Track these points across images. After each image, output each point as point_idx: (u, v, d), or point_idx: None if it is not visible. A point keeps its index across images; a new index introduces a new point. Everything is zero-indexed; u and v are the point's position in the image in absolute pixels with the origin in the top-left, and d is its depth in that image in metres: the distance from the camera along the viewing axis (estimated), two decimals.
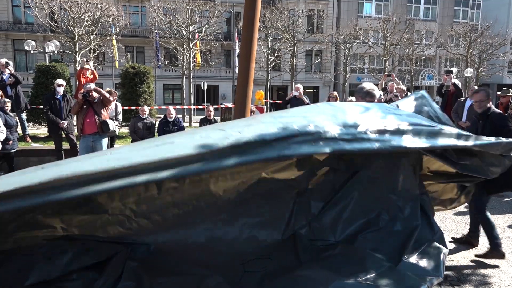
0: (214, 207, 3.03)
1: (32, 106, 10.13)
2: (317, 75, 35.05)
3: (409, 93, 8.72)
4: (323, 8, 37.81)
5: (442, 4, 42.86)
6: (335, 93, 9.88)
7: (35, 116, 10.63)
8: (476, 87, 8.71)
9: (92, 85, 6.29)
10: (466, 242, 4.43)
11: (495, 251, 3.96)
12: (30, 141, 9.13)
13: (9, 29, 32.65)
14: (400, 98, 8.09)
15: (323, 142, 2.54)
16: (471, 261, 4.03)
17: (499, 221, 5.13)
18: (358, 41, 28.22)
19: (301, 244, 3.07)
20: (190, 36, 18.83)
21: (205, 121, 9.10)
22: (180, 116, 15.27)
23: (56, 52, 17.10)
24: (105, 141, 6.47)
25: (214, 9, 21.29)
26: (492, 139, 3.26)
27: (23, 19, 33.27)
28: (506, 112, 7.59)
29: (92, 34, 17.55)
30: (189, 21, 18.71)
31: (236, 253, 2.98)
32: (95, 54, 19.39)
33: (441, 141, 2.94)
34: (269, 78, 24.09)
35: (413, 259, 2.91)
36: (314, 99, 35.62)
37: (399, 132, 2.81)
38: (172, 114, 8.77)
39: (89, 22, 16.93)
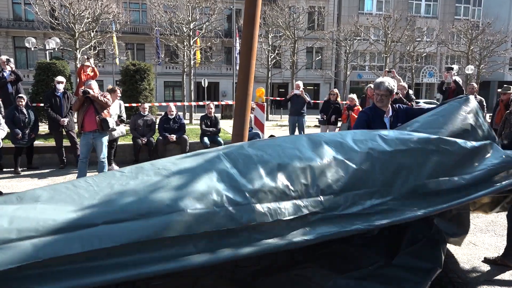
0: None
1: (33, 104, 10.12)
2: (317, 72, 35.03)
3: (410, 91, 8.69)
4: (323, 5, 37.70)
5: (443, 1, 42.72)
6: (336, 91, 9.88)
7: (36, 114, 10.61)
8: (475, 85, 8.69)
9: (94, 83, 6.27)
10: (501, 263, 3.77)
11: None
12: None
13: (10, 26, 32.61)
14: (400, 95, 8.08)
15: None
16: (472, 256, 4.03)
17: (499, 218, 5.14)
18: (359, 38, 28.17)
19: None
20: (191, 33, 18.79)
21: (206, 118, 9.11)
22: (180, 113, 15.27)
23: (56, 49, 17.07)
24: (105, 139, 6.47)
25: (215, 6, 21.23)
26: None
27: (23, 16, 33.20)
28: (507, 109, 7.58)
29: (93, 31, 17.52)
30: (190, 18, 18.67)
31: None
32: (96, 51, 19.35)
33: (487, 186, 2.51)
34: (269, 75, 24.07)
35: (410, 252, 2.83)
36: (315, 96, 35.59)
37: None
38: (172, 111, 8.79)
39: (89, 19, 16.90)
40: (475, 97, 8.41)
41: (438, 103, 10.19)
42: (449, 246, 3.87)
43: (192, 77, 19.77)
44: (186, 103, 17.93)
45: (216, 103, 12.60)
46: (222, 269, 2.82)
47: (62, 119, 7.75)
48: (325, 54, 37.12)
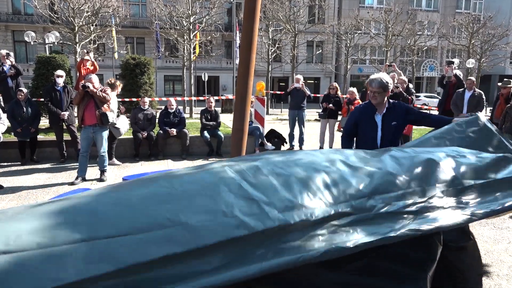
0: None
1: (33, 98, 10.12)
2: (318, 66, 34.93)
3: (410, 85, 8.68)
4: None
5: None
6: (335, 84, 9.87)
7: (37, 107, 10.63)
8: (474, 79, 8.67)
9: (94, 77, 6.27)
10: None
11: None
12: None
13: (9, 20, 32.51)
14: (401, 89, 8.08)
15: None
16: None
17: None
18: (359, 32, 28.07)
19: None
20: (191, 27, 18.73)
21: (206, 112, 9.11)
22: (180, 107, 15.25)
23: (56, 43, 17.03)
24: (105, 133, 6.48)
25: (215, 0, 21.14)
26: None
27: (22, 10, 33.09)
28: (508, 103, 7.58)
29: (92, 25, 17.47)
30: (190, 12, 18.59)
31: None
32: (95, 45, 19.30)
33: None
34: (270, 69, 24.01)
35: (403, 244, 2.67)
36: (315, 90, 35.53)
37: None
38: (173, 105, 8.79)
39: (89, 13, 16.84)
40: (474, 91, 8.40)
41: (439, 97, 10.11)
42: None
43: (192, 71, 19.73)
44: (186, 98, 17.91)
45: (216, 97, 12.59)
46: None
47: (62, 113, 7.75)
48: (326, 48, 36.99)
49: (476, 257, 2.92)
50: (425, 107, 23.38)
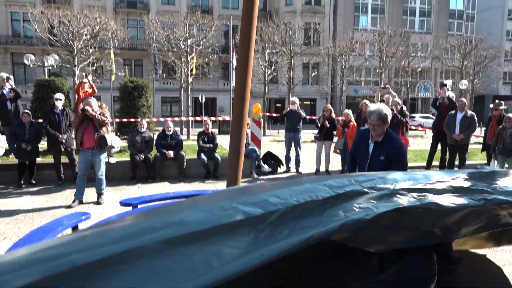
0: None
1: (31, 120, 10.19)
2: (314, 88, 35.33)
3: (404, 107, 8.82)
4: (319, 21, 38.26)
5: (436, 17, 43.48)
6: (329, 106, 10.00)
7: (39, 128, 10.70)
8: (465, 100, 8.83)
9: (94, 101, 6.36)
10: None
11: None
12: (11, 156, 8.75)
13: (8, 42, 32.92)
14: (395, 111, 8.21)
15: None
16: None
17: None
18: (354, 53, 28.51)
19: None
20: (188, 50, 19.02)
21: (203, 135, 9.20)
22: (178, 129, 15.35)
23: (55, 65, 17.24)
24: (103, 156, 6.54)
25: (212, 23, 21.55)
26: None
27: (22, 33, 33.54)
28: (499, 125, 7.72)
29: (91, 48, 17.72)
30: (187, 35, 18.93)
31: None
32: (94, 68, 19.54)
33: None
34: (266, 91, 24.28)
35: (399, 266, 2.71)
36: (312, 111, 35.84)
37: None
38: (170, 127, 8.88)
39: (88, 36, 17.12)
40: (466, 112, 8.55)
41: (434, 117, 10.23)
42: None
43: (189, 92, 19.93)
44: (183, 119, 18.04)
45: (213, 118, 12.71)
46: None
47: (60, 136, 7.81)
48: (321, 69, 37.50)
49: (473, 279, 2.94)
50: (420, 128, 23.62)
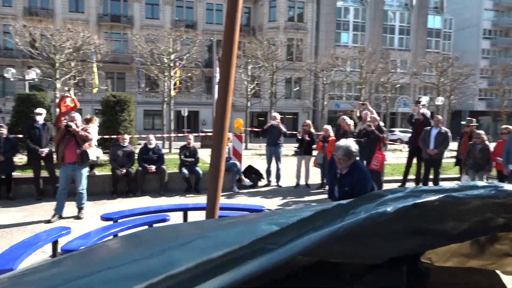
0: None
1: (11, 135, 10.11)
2: (296, 102, 35.80)
3: (381, 123, 9.10)
4: (302, 38, 38.99)
5: (415, 35, 44.80)
6: (308, 122, 10.25)
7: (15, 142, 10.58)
8: (440, 117, 9.18)
9: (77, 116, 6.42)
10: None
11: None
12: None
13: None
14: (372, 126, 8.48)
15: None
16: None
17: None
18: (335, 69, 29.08)
19: None
20: (171, 64, 19.15)
21: (185, 149, 9.29)
22: (160, 142, 15.34)
23: (36, 79, 17.12)
24: (85, 170, 6.57)
25: (196, 38, 21.76)
26: None
27: (1, 45, 33.15)
28: (470, 141, 8.06)
29: (73, 61, 17.68)
30: (171, 49, 19.08)
31: None
32: (76, 81, 19.44)
33: None
34: (249, 105, 24.52)
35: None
36: (294, 125, 36.22)
37: None
38: (152, 141, 8.95)
39: (70, 50, 17.09)
40: (441, 128, 8.88)
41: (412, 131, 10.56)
42: None
43: (172, 106, 20.00)
44: (165, 134, 18.05)
45: (195, 134, 12.80)
46: None
47: (40, 150, 7.78)
48: (304, 84, 38.09)
49: None
50: (397, 143, 24.14)
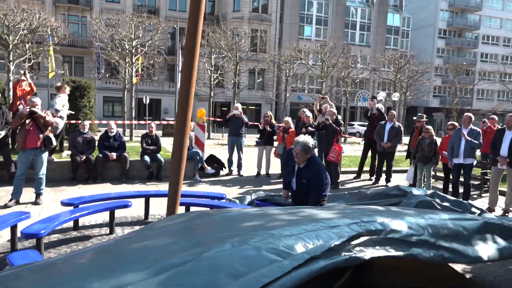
0: None
1: None
2: (259, 93, 36.03)
3: (339, 116, 9.47)
4: (265, 29, 39.16)
5: (375, 31, 46.18)
6: (270, 113, 10.50)
7: None
8: (394, 112, 9.70)
9: (38, 100, 6.29)
10: None
11: None
12: None
13: None
14: (330, 120, 8.84)
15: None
16: None
17: None
18: (298, 62, 29.51)
19: None
20: (133, 50, 18.75)
21: (147, 137, 9.29)
22: (120, 130, 15.10)
23: None
24: (45, 156, 6.47)
25: (158, 25, 21.37)
26: None
27: None
28: (420, 135, 8.60)
29: (28, 43, 16.94)
30: (132, 36, 18.66)
31: None
32: (30, 64, 18.61)
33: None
34: (212, 94, 24.48)
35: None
36: (257, 116, 36.51)
37: None
38: (113, 129, 8.87)
39: (25, 31, 16.35)
40: (394, 123, 9.41)
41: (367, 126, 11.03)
42: None
43: (133, 93, 19.63)
44: (127, 122, 17.75)
45: (157, 122, 12.74)
46: None
47: None
48: (267, 76, 38.38)
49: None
50: (358, 136, 24.96)
